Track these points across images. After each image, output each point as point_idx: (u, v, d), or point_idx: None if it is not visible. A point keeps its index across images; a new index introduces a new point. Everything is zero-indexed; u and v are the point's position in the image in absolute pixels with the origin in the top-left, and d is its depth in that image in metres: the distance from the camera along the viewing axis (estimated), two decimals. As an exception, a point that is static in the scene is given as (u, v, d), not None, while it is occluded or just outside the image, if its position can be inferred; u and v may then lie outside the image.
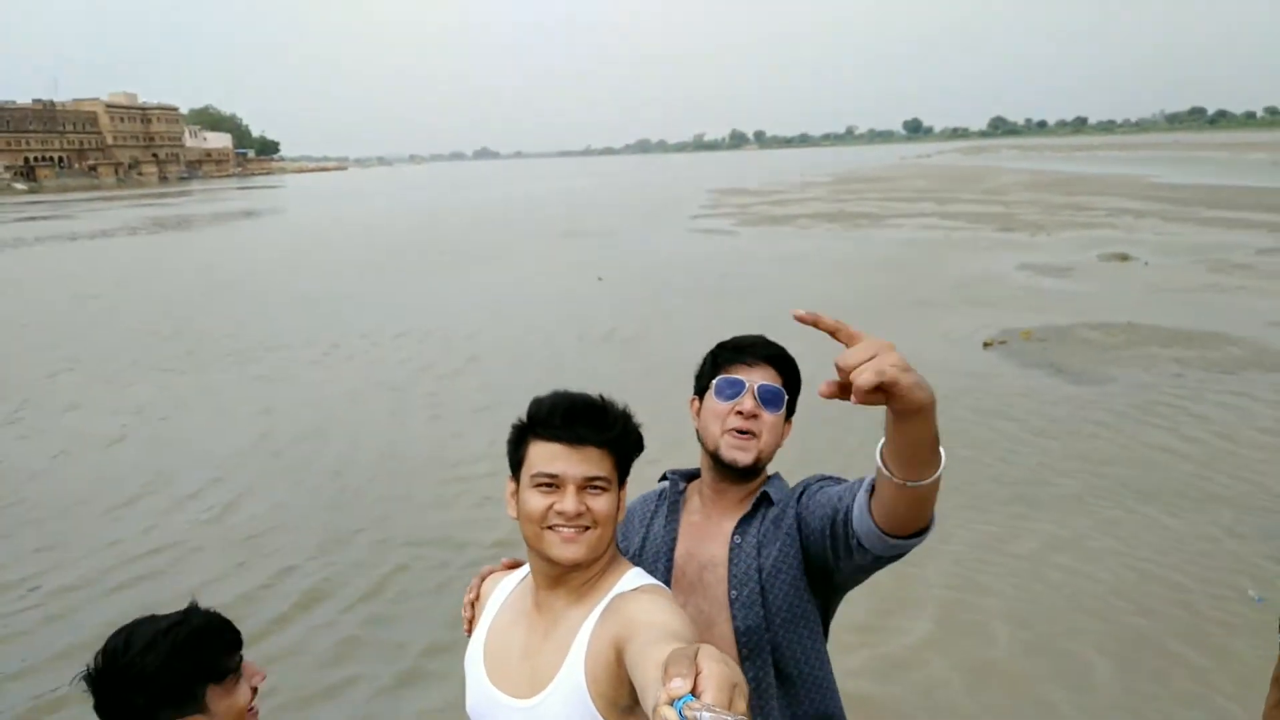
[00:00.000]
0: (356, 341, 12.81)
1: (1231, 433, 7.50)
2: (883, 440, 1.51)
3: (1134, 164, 58.90)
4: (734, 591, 1.87)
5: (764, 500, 1.94)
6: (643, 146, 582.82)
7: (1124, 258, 17.44)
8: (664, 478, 2.11)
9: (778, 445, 1.93)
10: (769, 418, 1.89)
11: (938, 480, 1.52)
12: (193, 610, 1.79)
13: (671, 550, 1.96)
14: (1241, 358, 9.84)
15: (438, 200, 54.17)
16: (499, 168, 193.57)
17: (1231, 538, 5.62)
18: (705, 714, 0.78)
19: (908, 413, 1.41)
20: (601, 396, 1.66)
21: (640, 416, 1.68)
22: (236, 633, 1.82)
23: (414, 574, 5.70)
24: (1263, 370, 9.33)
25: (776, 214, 32.10)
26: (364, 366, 11.41)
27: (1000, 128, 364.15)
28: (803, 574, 1.85)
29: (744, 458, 1.88)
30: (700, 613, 1.90)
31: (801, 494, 1.91)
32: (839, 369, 1.34)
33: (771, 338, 1.96)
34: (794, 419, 1.97)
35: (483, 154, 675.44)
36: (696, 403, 1.99)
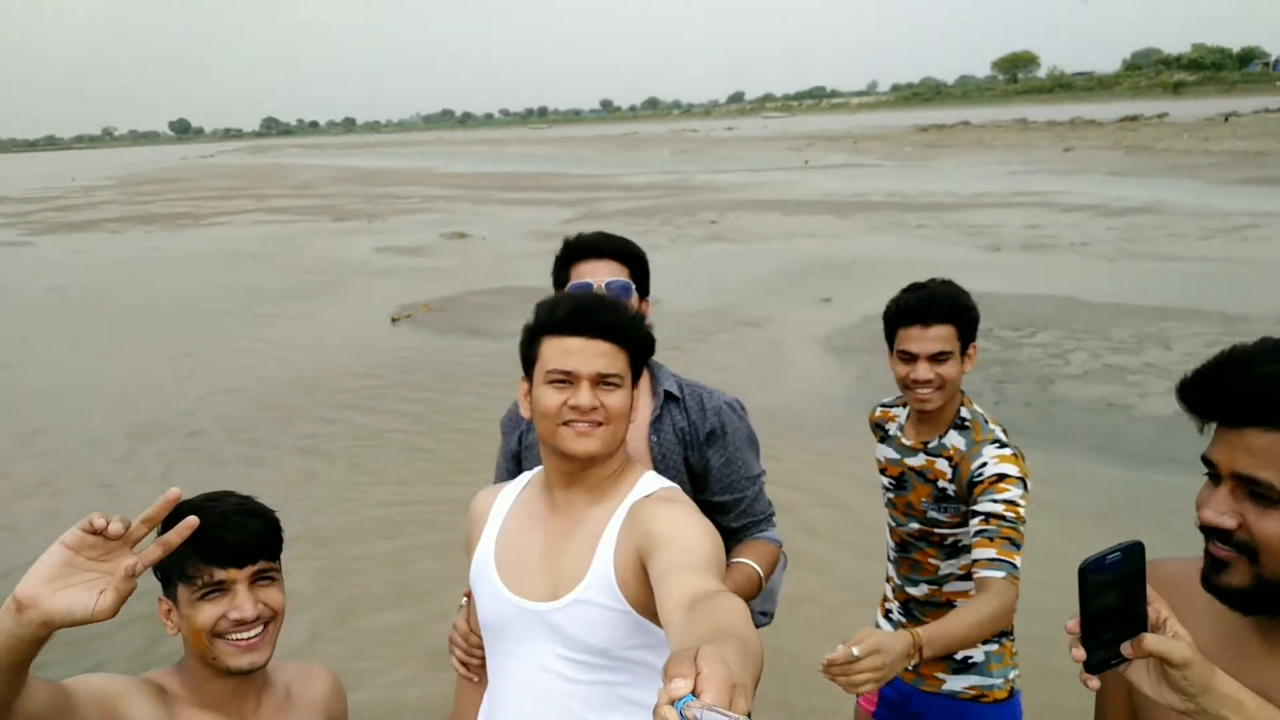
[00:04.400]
0: None
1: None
2: None
3: (417, 158, 64.24)
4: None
5: (670, 401, 2.00)
6: None
7: (463, 235, 19.27)
8: None
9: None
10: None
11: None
12: (243, 498, 1.60)
13: None
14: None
15: None
16: None
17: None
18: (705, 713, 0.80)
19: None
20: (614, 297, 1.71)
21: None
22: (234, 551, 1.52)
23: None
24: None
25: (74, 220, 27.96)
26: None
27: (274, 128, 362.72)
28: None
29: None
30: None
31: (710, 437, 1.99)
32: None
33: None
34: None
35: None
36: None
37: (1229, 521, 1.13)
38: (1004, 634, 2.31)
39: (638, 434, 1.97)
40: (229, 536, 1.52)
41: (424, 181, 38.22)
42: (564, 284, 2.06)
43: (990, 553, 2.02)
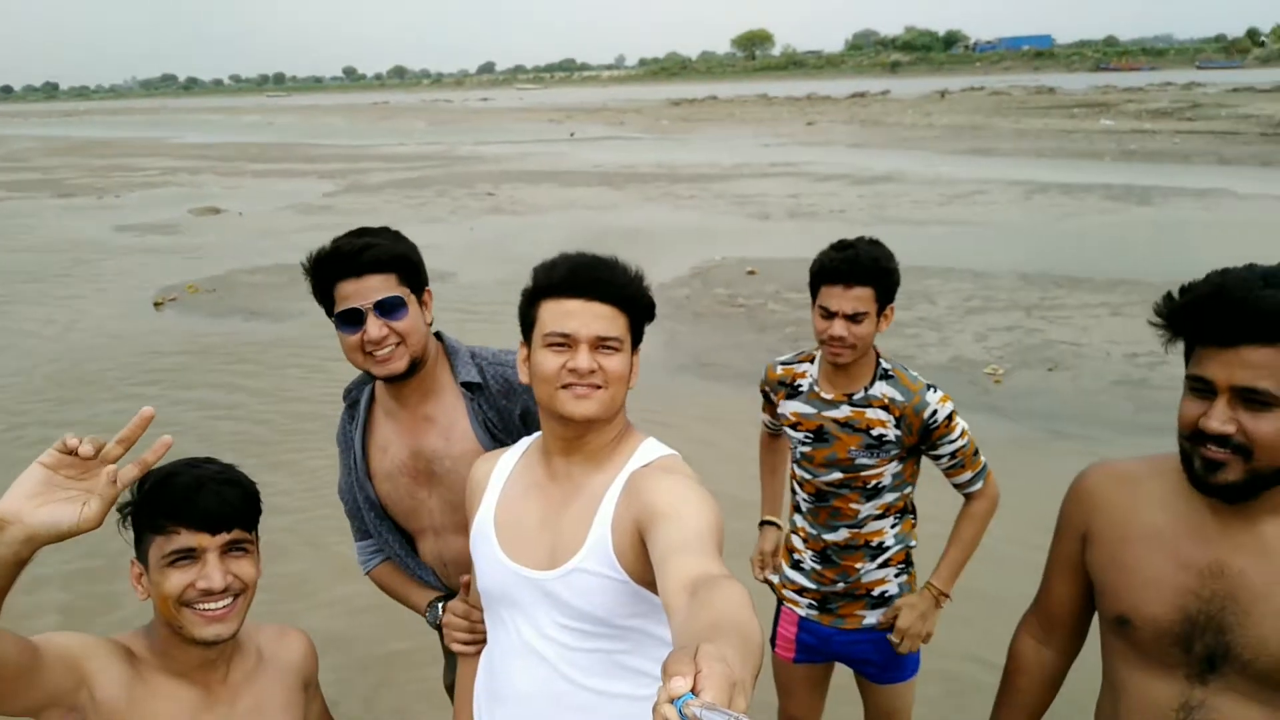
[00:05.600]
0: None
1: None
2: None
3: (144, 127, 58.30)
4: None
5: (472, 390, 2.03)
6: None
7: (216, 210, 17.84)
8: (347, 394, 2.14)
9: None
10: None
11: None
12: (224, 466, 1.60)
13: (366, 453, 2.07)
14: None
15: None
16: None
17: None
18: (705, 712, 0.80)
19: None
20: (614, 256, 1.64)
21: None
22: (207, 518, 1.50)
23: None
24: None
25: None
26: None
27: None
28: None
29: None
30: (447, 502, 2.04)
31: (525, 417, 2.02)
32: None
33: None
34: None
35: None
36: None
37: (1231, 428, 1.33)
38: (909, 565, 2.53)
39: (466, 438, 1.99)
40: (203, 502, 1.49)
41: (158, 152, 34.89)
42: (330, 306, 1.91)
43: (967, 475, 2.44)
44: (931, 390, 2.35)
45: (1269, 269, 1.35)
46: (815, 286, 2.35)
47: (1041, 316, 8.63)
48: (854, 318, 2.26)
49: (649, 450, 1.65)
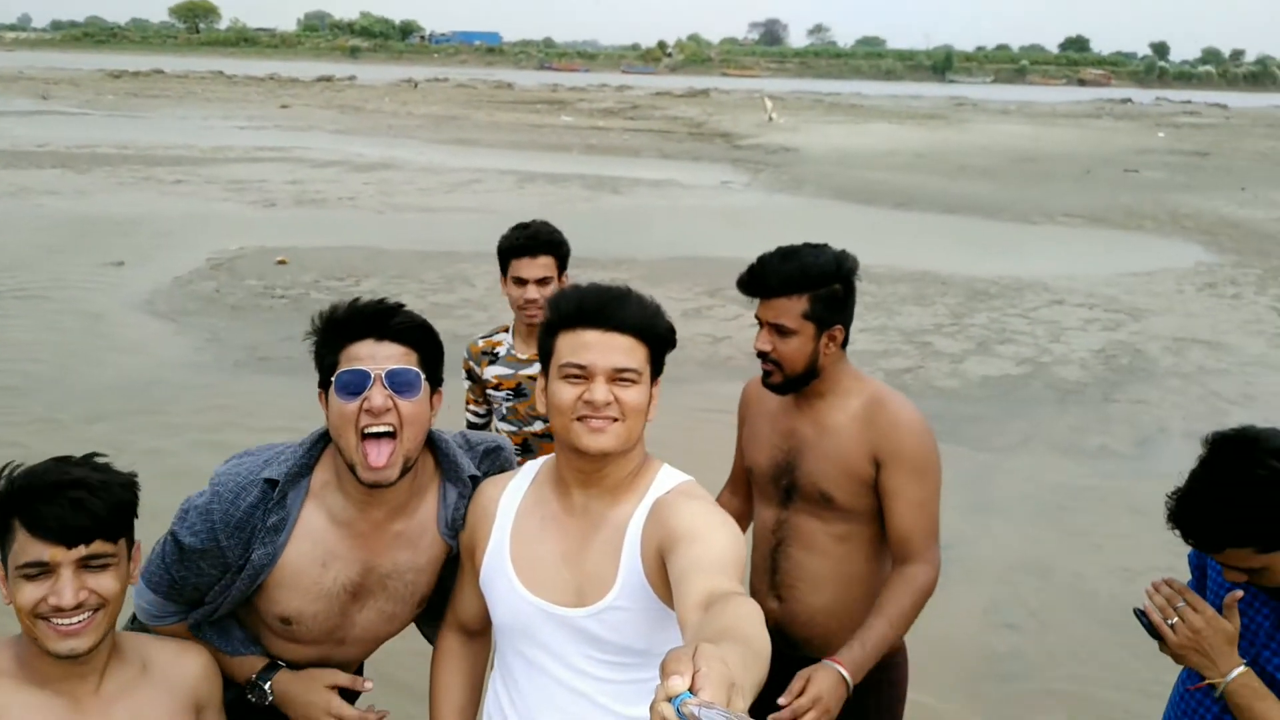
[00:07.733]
0: None
1: None
2: None
3: None
4: None
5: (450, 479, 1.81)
6: None
7: None
8: (270, 483, 1.70)
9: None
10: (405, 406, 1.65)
11: None
12: (99, 465, 1.49)
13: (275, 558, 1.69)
14: None
15: None
16: None
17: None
18: (703, 711, 0.80)
19: None
20: (628, 287, 1.65)
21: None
22: (60, 530, 1.40)
23: None
24: None
25: None
26: None
27: None
28: None
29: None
30: (381, 614, 1.81)
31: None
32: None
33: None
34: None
35: None
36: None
37: (767, 346, 2.09)
38: None
39: (434, 544, 1.78)
40: (56, 514, 1.38)
41: None
42: (332, 369, 1.66)
43: None
44: None
45: (785, 248, 2.10)
46: (505, 261, 2.85)
47: (568, 292, 9.68)
48: (542, 282, 2.80)
49: (667, 477, 1.66)
